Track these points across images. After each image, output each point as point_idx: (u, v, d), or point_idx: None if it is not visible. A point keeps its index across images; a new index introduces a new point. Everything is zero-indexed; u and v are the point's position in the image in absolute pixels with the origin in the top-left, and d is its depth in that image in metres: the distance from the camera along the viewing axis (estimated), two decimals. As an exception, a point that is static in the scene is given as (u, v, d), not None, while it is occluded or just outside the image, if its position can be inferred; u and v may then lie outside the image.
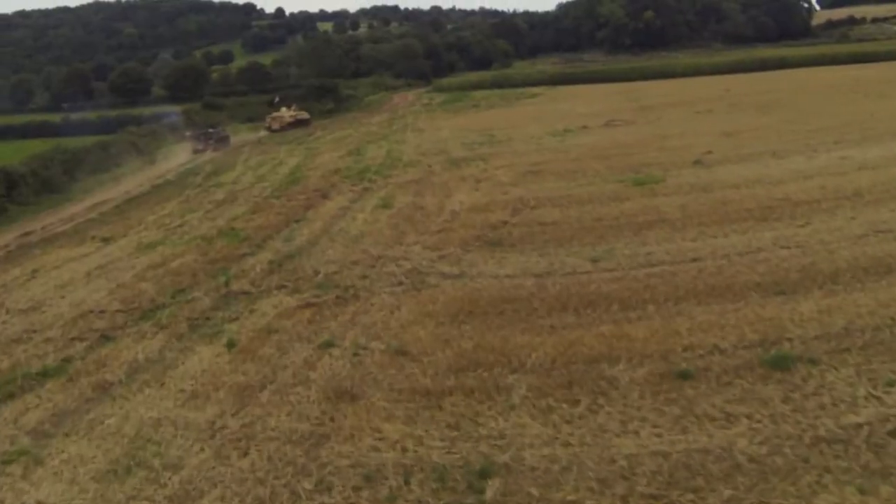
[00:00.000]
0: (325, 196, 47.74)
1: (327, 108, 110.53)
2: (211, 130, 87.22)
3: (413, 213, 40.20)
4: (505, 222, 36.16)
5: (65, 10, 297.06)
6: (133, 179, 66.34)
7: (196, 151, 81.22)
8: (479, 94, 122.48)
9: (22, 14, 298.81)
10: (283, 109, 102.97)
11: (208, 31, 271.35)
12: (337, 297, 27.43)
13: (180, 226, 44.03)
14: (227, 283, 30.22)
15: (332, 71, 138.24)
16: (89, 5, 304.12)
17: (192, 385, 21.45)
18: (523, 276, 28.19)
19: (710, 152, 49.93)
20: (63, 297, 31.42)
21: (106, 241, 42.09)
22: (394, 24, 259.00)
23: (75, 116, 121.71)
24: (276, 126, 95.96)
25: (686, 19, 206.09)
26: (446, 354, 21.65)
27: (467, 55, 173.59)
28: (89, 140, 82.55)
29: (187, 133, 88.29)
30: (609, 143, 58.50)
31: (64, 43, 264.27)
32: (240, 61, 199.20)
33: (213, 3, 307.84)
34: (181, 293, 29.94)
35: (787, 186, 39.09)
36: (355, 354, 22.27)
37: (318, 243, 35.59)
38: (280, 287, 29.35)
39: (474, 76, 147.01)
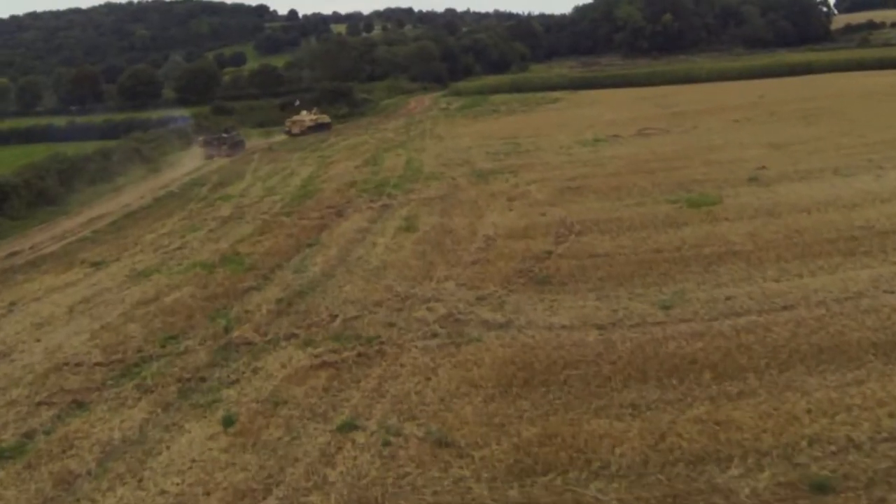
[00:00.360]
0: (340, 214, 42.87)
1: (341, 112, 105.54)
2: (224, 135, 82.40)
3: (441, 237, 35.20)
4: (549, 252, 31.21)
5: (76, 12, 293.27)
6: (135, 190, 61.51)
7: (208, 157, 77.44)
8: (497, 98, 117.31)
9: (32, 16, 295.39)
10: (304, 113, 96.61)
11: (220, 33, 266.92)
12: (359, 353, 22.51)
13: (180, 248, 39.17)
14: (227, 329, 25.35)
15: (346, 74, 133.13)
16: (100, 7, 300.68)
17: (178, 485, 16.59)
18: (583, 328, 23.25)
19: (764, 167, 45.05)
20: (38, 341, 26.73)
21: (96, 265, 37.26)
22: (408, 27, 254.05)
23: (81, 120, 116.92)
24: (295, 130, 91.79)
25: (704, 23, 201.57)
26: (503, 447, 16.79)
27: (484, 58, 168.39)
28: (91, 146, 78.14)
29: (199, 138, 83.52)
30: (648, 155, 53.44)
31: (75, 45, 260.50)
32: (252, 63, 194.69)
33: (226, 5, 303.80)
34: (173, 340, 25.19)
35: (864, 211, 34.18)
36: (385, 444, 17.37)
37: (334, 275, 30.69)
38: (290, 336, 24.51)
39: (492, 79, 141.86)
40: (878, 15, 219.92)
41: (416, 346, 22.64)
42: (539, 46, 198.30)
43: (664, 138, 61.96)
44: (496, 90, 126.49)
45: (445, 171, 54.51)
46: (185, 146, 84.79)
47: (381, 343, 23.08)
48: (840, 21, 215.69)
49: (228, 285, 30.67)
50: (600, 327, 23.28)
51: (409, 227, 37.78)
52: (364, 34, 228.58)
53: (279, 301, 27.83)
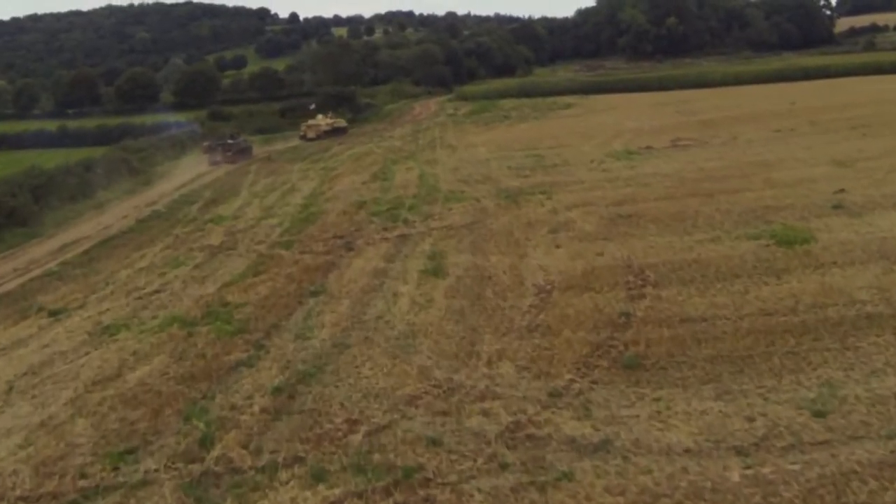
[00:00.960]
0: (349, 247, 35.31)
1: (344, 117, 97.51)
2: (230, 141, 76.29)
3: (480, 287, 27.55)
4: (627, 315, 23.52)
5: (77, 14, 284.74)
6: (118, 208, 54.00)
7: (213, 164, 72.07)
8: (506, 103, 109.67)
9: (33, 18, 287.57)
10: (319, 117, 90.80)
11: (221, 36, 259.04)
12: (395, 502, 14.50)
13: (157, 291, 31.53)
14: (204, 441, 17.52)
15: (348, 78, 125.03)
16: (101, 9, 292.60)
17: None
18: (717, 454, 15.65)
19: (843, 191, 37.35)
20: (-49, 443, 18.87)
21: (55, 315, 29.57)
22: (409, 30, 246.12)
23: (73, 125, 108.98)
24: (311, 134, 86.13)
25: (709, 26, 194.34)
26: None
27: (487, 61, 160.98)
28: (79, 154, 70.72)
29: (204, 143, 77.70)
30: (695, 173, 45.99)
31: (75, 47, 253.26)
32: (253, 67, 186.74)
33: (227, 8, 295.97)
34: (129, 458, 17.47)
35: None
36: None
37: (349, 346, 22.99)
38: (292, 461, 16.71)
39: (498, 83, 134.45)
40: (880, 18, 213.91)
41: (478, 490, 14.72)
42: (542, 50, 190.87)
43: (704, 151, 54.54)
44: (504, 94, 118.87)
45: (466, 189, 47.01)
46: (179, 155, 77.35)
47: (427, 480, 15.26)
48: (843, 24, 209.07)
49: (211, 357, 22.97)
50: (741, 452, 15.64)
51: (435, 269, 30.06)
52: (365, 37, 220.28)
53: (277, 391, 20.08)
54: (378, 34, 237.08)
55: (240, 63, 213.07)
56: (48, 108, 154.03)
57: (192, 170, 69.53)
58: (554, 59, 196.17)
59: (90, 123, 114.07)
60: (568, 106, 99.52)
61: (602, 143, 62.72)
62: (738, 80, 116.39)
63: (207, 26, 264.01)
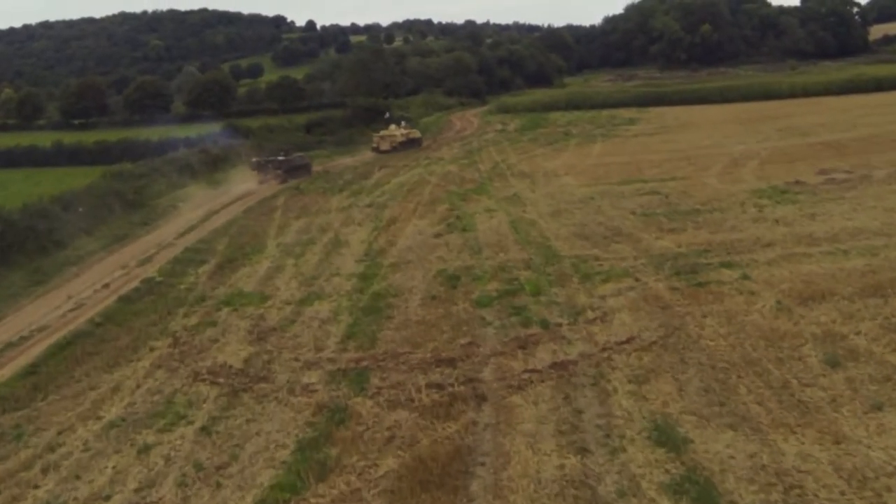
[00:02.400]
0: (477, 394, 19.00)
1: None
2: (281, 158, 64.07)
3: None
4: None
5: (89, 21, 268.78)
6: (99, 268, 38.20)
7: (262, 182, 60.82)
8: (557, 116, 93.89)
9: (45, 25, 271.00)
10: (393, 127, 78.05)
11: (237, 44, 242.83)
12: None
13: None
14: None
15: (380, 88, 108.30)
16: (114, 16, 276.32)
17: None
18: None
19: None
20: None
21: None
22: (430, 38, 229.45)
23: (70, 139, 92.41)
24: (385, 147, 74.67)
25: (743, 34, 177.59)
26: None
27: (519, 70, 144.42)
28: (75, 176, 55.41)
29: (253, 160, 64.65)
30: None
31: (87, 55, 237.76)
32: (270, 75, 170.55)
33: (242, 15, 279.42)
34: None
35: None
36: None
37: None
38: None
39: (541, 94, 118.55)
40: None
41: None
42: (570, 58, 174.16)
43: (878, 189, 38.59)
44: (550, 107, 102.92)
45: (598, 252, 31.42)
46: (187, 181, 61.12)
47: None
48: (876, 32, 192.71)
49: None
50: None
51: (688, 480, 13.43)
52: (385, 45, 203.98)
53: None
54: (398, 42, 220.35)
55: (256, 72, 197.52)
56: (55, 117, 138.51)
57: (201, 204, 53.54)
58: (581, 69, 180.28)
59: (90, 138, 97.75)
60: (632, 121, 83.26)
61: (725, 173, 47.44)
62: (807, 92, 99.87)
63: (222, 34, 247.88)
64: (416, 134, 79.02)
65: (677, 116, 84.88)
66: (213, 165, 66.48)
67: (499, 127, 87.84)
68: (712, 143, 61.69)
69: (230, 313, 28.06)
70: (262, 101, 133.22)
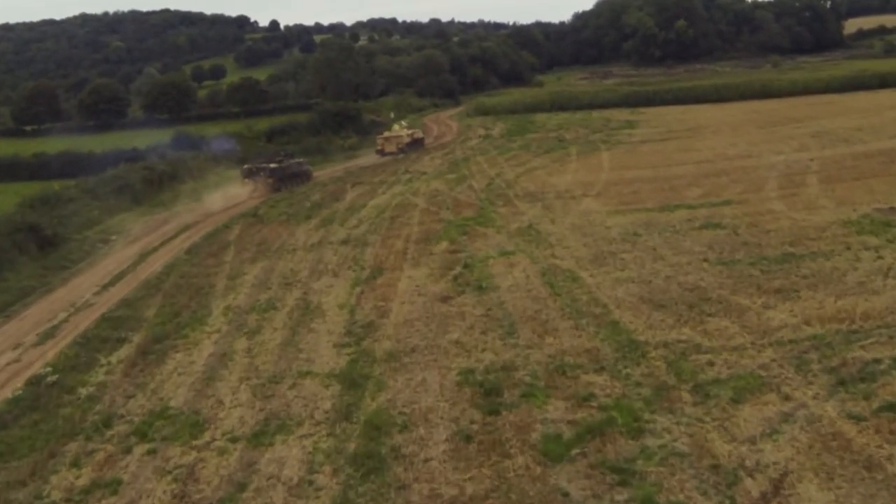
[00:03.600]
0: None
1: (349, 142, 70.01)
2: (274, 165, 54.11)
3: None
4: None
5: (50, 23, 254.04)
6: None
7: (253, 191, 52.42)
8: (544, 119, 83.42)
9: (5, 27, 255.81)
10: (397, 127, 70.02)
11: (199, 45, 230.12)
12: None
13: None
14: None
15: (350, 90, 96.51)
16: (75, 18, 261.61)
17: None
18: None
19: None
20: None
21: None
22: (396, 37, 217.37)
23: (11, 150, 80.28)
24: (391, 149, 66.01)
25: (718, 29, 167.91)
26: None
27: (492, 69, 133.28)
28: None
29: (244, 166, 55.66)
30: None
31: (47, 57, 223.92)
32: (233, 77, 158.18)
33: (205, 16, 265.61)
34: None
35: None
36: None
37: None
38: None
39: (520, 94, 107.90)
40: (886, 19, 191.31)
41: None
42: (540, 56, 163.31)
43: None
44: (533, 108, 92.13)
45: (692, 336, 20.91)
46: (124, 206, 49.45)
47: None
48: (850, 26, 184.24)
49: None
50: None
51: None
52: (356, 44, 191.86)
53: None
54: (363, 41, 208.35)
55: (218, 73, 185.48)
56: (8, 123, 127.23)
57: (139, 237, 42.35)
58: (552, 66, 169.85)
59: (36, 147, 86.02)
60: (630, 125, 72.66)
61: (787, 194, 37.72)
62: (808, 89, 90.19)
63: (184, 35, 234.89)
64: (419, 134, 70.99)
65: (679, 118, 74.52)
66: (157, 185, 54.89)
67: (482, 132, 76.63)
68: (740, 152, 51.32)
69: (144, 460, 16.79)
70: (223, 105, 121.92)
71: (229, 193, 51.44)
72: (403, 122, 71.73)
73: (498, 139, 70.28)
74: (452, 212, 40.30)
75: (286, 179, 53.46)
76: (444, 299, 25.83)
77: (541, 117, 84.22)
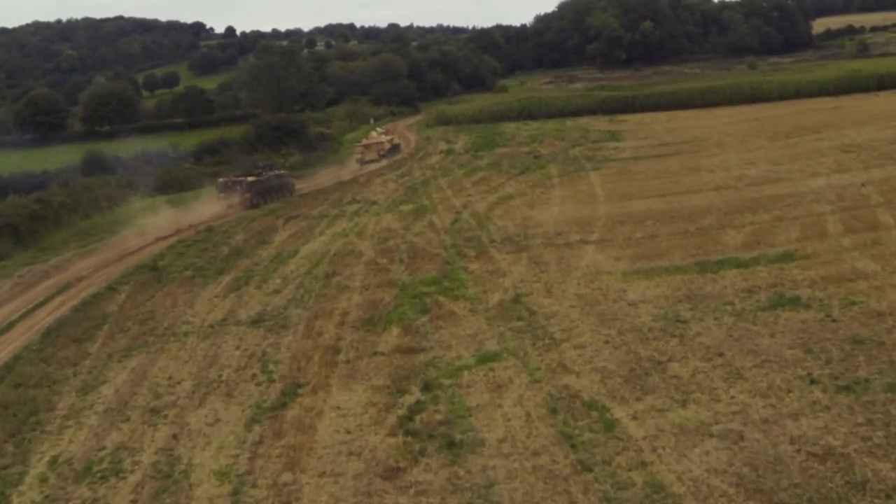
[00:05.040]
0: None
1: (290, 160, 58.31)
2: (251, 179, 46.82)
3: None
4: None
5: (1, 32, 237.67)
6: None
7: (229, 207, 45.24)
8: (513, 130, 71.87)
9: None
10: (375, 133, 63.42)
11: (153, 53, 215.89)
12: None
13: None
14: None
15: (294, 99, 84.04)
16: (27, 26, 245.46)
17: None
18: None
19: None
20: None
21: None
22: (353, 42, 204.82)
23: None
24: (371, 157, 58.89)
25: (686, 30, 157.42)
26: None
27: (453, 73, 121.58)
28: None
29: (220, 179, 48.63)
30: None
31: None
32: (186, 85, 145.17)
33: (160, 23, 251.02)
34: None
35: None
36: None
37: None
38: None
39: (482, 100, 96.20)
40: (853, 19, 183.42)
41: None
42: (501, 60, 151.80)
43: None
44: (499, 117, 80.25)
45: None
46: (6, 252, 38.00)
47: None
48: (818, 26, 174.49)
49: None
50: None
51: None
52: (307, 50, 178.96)
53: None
54: (320, 47, 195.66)
55: (171, 81, 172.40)
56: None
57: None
58: (514, 70, 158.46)
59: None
60: (613, 136, 61.74)
61: (876, 242, 26.16)
62: (799, 93, 79.40)
63: (138, 42, 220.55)
64: (396, 140, 64.02)
65: (668, 128, 63.62)
66: (52, 222, 42.98)
67: (443, 146, 64.90)
68: (765, 174, 40.23)
69: None
70: (168, 116, 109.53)
71: (144, 230, 40.11)
72: (379, 129, 64.92)
73: (462, 155, 58.76)
74: (408, 268, 28.77)
75: (265, 194, 46.58)
76: (391, 473, 14.38)
77: (509, 127, 72.73)
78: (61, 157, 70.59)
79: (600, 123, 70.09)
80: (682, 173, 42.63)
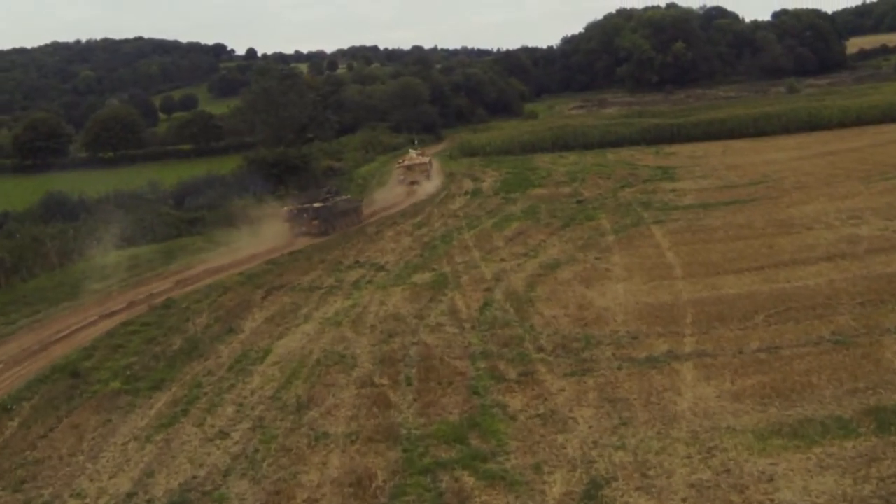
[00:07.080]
0: None
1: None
2: (318, 205, 42.95)
3: None
4: None
5: (20, 52, 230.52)
6: None
7: (296, 236, 41.78)
8: (547, 163, 62.43)
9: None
10: (412, 153, 60.82)
11: (172, 74, 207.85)
12: None
13: None
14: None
15: (295, 130, 73.90)
16: (46, 46, 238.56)
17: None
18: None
19: None
20: None
21: None
22: (375, 65, 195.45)
23: None
24: (416, 178, 56.37)
25: (718, 52, 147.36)
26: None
27: (477, 98, 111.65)
28: None
29: (284, 208, 44.01)
30: None
31: (14, 87, 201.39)
32: (204, 108, 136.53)
33: (180, 44, 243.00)
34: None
35: None
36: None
37: None
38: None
39: (510, 128, 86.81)
40: (888, 39, 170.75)
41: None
42: (528, 83, 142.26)
43: None
44: (531, 148, 70.36)
45: None
46: None
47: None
48: (851, 46, 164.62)
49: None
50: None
51: None
52: (328, 72, 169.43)
53: None
54: (342, 69, 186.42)
55: (189, 104, 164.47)
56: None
57: None
58: (541, 93, 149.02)
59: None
60: (666, 173, 51.98)
61: None
62: (860, 119, 69.21)
63: (157, 64, 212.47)
64: (432, 160, 62.25)
65: (726, 162, 54.07)
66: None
67: (469, 185, 55.14)
68: (881, 233, 29.80)
69: None
70: (173, 143, 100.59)
71: (91, 301, 30.74)
72: (415, 150, 61.84)
73: (491, 197, 48.93)
74: (418, 399, 19.12)
75: (334, 219, 43.66)
76: None
77: (543, 161, 62.98)
78: (59, 185, 61.34)
79: (646, 157, 60.29)
80: (771, 231, 32.57)
